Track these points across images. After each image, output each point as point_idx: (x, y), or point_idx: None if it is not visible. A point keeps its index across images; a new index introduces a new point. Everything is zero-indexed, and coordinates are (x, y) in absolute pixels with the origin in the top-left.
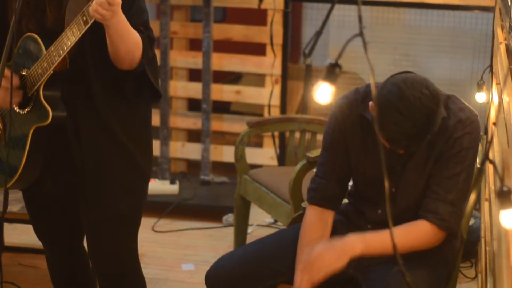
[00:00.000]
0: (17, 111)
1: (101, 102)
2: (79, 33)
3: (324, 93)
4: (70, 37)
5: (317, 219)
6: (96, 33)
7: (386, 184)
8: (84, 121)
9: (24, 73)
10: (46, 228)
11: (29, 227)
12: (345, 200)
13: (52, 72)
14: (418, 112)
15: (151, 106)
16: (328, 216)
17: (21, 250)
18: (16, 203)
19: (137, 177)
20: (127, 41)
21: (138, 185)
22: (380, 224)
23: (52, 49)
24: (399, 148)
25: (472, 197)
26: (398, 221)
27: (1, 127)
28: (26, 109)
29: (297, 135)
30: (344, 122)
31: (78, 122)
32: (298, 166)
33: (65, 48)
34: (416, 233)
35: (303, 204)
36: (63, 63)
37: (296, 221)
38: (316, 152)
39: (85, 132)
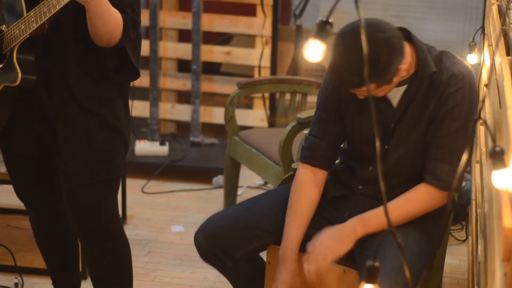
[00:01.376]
0: None
1: (75, 71)
2: (58, 6)
3: (315, 51)
4: (51, 7)
5: (309, 178)
6: (78, 7)
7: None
8: (57, 88)
9: (3, 29)
10: (24, 188)
11: None
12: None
13: (28, 36)
14: (354, 51)
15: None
16: (320, 176)
17: (10, 212)
18: (2, 164)
19: (115, 142)
20: (106, 23)
21: (115, 150)
22: (371, 183)
23: (32, 14)
24: (346, 90)
25: (464, 158)
26: (389, 177)
27: None
28: None
29: (288, 96)
30: None
31: (50, 88)
32: (289, 128)
33: (43, 17)
34: (417, 200)
35: (293, 165)
36: (41, 29)
37: (286, 183)
38: (306, 113)
39: (57, 98)
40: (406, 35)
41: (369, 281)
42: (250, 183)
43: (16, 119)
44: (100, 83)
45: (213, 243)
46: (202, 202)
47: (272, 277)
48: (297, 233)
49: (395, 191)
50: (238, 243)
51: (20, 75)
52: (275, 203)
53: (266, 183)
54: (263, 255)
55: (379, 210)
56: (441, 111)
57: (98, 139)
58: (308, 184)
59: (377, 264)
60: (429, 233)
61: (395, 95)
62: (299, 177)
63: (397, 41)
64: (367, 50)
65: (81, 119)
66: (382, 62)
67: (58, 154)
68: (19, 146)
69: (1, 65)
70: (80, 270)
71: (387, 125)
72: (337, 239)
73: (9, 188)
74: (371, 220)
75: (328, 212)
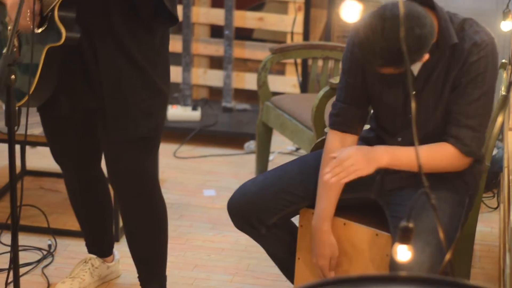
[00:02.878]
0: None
1: (118, 25)
2: None
3: (351, 11)
4: None
5: (339, 144)
6: None
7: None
8: (101, 44)
9: None
10: (63, 150)
11: None
12: (367, 126)
13: None
14: (390, 41)
15: (169, 31)
16: (350, 141)
17: (43, 174)
18: (38, 126)
19: (156, 100)
20: None
21: (157, 108)
22: None
23: None
24: (378, 67)
25: (497, 125)
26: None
27: (16, 44)
28: (41, 29)
29: (320, 63)
30: None
31: (95, 45)
32: (321, 93)
33: None
34: (440, 154)
35: (326, 130)
36: None
37: (319, 147)
38: (339, 79)
39: (102, 54)
40: (429, 2)
41: (403, 242)
42: (282, 149)
43: (62, 84)
44: (144, 37)
45: (247, 210)
46: (234, 167)
47: (304, 240)
48: (329, 203)
49: None
50: (271, 209)
51: (64, 33)
52: (307, 169)
53: (297, 149)
54: (295, 220)
55: (408, 149)
56: (464, 79)
57: (141, 96)
58: (339, 149)
59: (411, 225)
60: (460, 195)
61: (417, 65)
62: (329, 143)
63: (431, 36)
64: (402, 43)
65: (125, 76)
66: (415, 55)
67: (101, 113)
68: (64, 109)
69: (44, 27)
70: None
71: (408, 94)
72: (363, 159)
73: (42, 151)
74: (400, 154)
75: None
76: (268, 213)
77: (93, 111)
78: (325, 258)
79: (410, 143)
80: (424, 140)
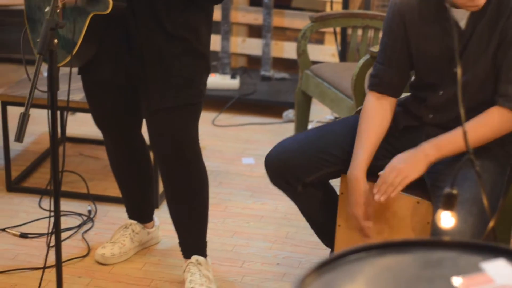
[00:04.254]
0: None
1: None
2: None
3: None
4: None
5: (377, 105)
6: None
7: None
8: (143, 15)
9: None
10: (103, 115)
11: (91, 118)
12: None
13: None
14: None
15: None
16: (388, 103)
17: (83, 141)
18: (79, 93)
19: (198, 67)
20: None
21: (198, 75)
22: (441, 110)
23: None
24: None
25: None
26: (458, 102)
27: (60, 6)
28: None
29: (359, 32)
30: (403, 6)
31: (137, 15)
32: (361, 61)
33: None
34: (489, 123)
35: None
36: None
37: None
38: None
39: (144, 25)
40: None
41: (447, 208)
42: (320, 118)
43: (104, 48)
44: (186, 9)
45: (284, 166)
46: (272, 136)
47: (345, 207)
48: (365, 153)
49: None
50: (308, 167)
51: (111, 2)
52: (348, 131)
53: (336, 118)
54: (335, 186)
55: (452, 134)
56: (511, 31)
57: (183, 63)
58: (376, 111)
59: (455, 191)
60: (502, 164)
61: (463, 16)
62: (367, 104)
63: None
64: None
65: (167, 45)
66: None
67: (143, 80)
68: (106, 74)
69: None
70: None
71: (454, 48)
72: (408, 163)
73: (81, 117)
74: (445, 143)
75: (400, 143)
76: (306, 171)
77: (134, 77)
78: (359, 205)
79: (453, 96)
80: (465, 94)
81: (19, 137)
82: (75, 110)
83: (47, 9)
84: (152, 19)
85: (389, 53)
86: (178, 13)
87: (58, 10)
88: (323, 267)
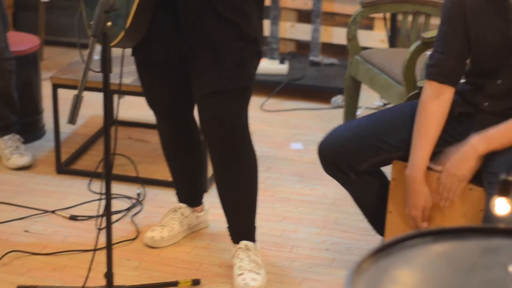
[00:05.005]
0: None
1: None
2: None
3: None
4: None
5: (436, 95)
6: None
7: None
8: None
9: None
10: (156, 96)
11: (140, 101)
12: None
13: None
14: None
15: None
16: (447, 93)
17: (132, 124)
18: (129, 76)
19: (248, 51)
20: None
21: (249, 59)
22: (498, 98)
23: None
24: None
25: None
26: None
27: None
28: None
29: (410, 18)
30: None
31: None
32: (413, 47)
33: None
34: None
35: (419, 83)
36: None
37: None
38: (431, 33)
39: (194, 6)
40: None
41: (502, 195)
42: (369, 104)
43: (155, 29)
44: None
45: (337, 154)
46: (321, 121)
47: (396, 193)
48: (424, 153)
49: None
50: (362, 155)
51: None
52: (401, 118)
53: (385, 104)
54: (387, 172)
55: (503, 127)
56: None
57: (232, 47)
58: (435, 102)
59: (511, 178)
60: None
61: None
62: (426, 95)
63: None
64: None
65: (217, 28)
66: None
67: (193, 63)
68: (159, 55)
69: None
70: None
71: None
72: (460, 164)
73: (130, 100)
74: (495, 137)
75: (454, 130)
76: (359, 159)
77: (186, 59)
78: (418, 208)
79: (510, 86)
80: None
81: (72, 119)
82: (126, 93)
83: None
84: (202, 0)
85: (449, 41)
86: None
87: None
88: (379, 252)
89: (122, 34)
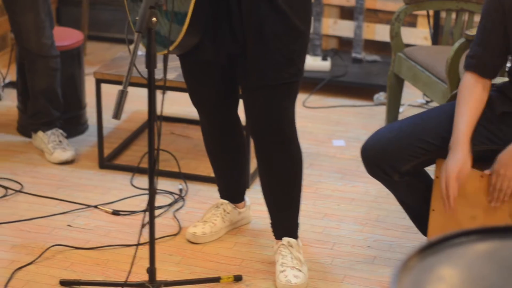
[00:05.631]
0: None
1: None
2: None
3: None
4: None
5: (474, 85)
6: None
7: None
8: None
9: None
10: (202, 94)
11: (182, 97)
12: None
13: None
14: None
15: None
16: (484, 84)
17: (174, 120)
18: (172, 71)
19: (298, 46)
20: None
21: (298, 53)
22: None
23: None
24: None
25: None
26: None
27: None
28: None
29: (453, 16)
30: None
31: None
32: (457, 44)
33: None
34: None
35: None
36: None
37: (455, 99)
38: (475, 31)
39: (246, 1)
40: None
41: None
42: (412, 101)
43: (206, 27)
44: None
45: (380, 156)
46: (363, 118)
47: (439, 192)
48: (467, 123)
49: None
50: (405, 156)
51: None
52: (444, 118)
53: (427, 101)
54: (430, 171)
55: None
56: None
57: (283, 42)
58: (474, 89)
59: None
60: None
61: None
62: (464, 84)
63: None
64: None
65: (269, 21)
66: None
67: (243, 59)
68: (208, 54)
69: None
70: None
71: None
72: (510, 166)
73: (172, 96)
74: None
75: (499, 129)
76: (402, 160)
77: (234, 56)
78: (453, 171)
79: None
80: None
81: (117, 114)
82: (170, 89)
83: None
84: None
85: (486, 36)
86: None
87: None
88: (425, 250)
89: (173, 46)
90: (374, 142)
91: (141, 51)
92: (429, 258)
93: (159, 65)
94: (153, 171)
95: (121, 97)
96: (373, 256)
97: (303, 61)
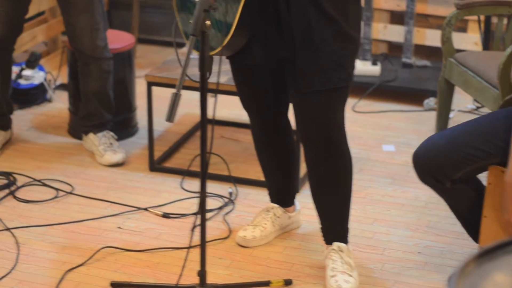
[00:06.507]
0: None
1: None
2: None
3: None
4: None
5: None
6: None
7: None
8: None
9: None
10: (252, 98)
11: (232, 100)
12: None
13: None
14: None
15: None
16: None
17: (224, 123)
18: (223, 75)
19: (347, 51)
20: None
21: (348, 58)
22: None
23: None
24: None
25: None
26: None
27: None
28: None
29: (505, 21)
30: None
31: None
32: (509, 50)
33: None
34: None
35: None
36: None
37: (507, 105)
38: None
39: (294, 4)
40: None
41: None
42: (462, 107)
43: (254, 32)
44: None
45: (432, 163)
46: (413, 124)
47: (492, 198)
48: None
49: None
50: (458, 164)
51: None
52: (497, 124)
53: (478, 107)
54: (482, 178)
55: None
56: None
57: (332, 47)
58: None
59: None
60: None
61: None
62: None
63: None
64: None
65: (318, 25)
66: None
67: (291, 63)
68: (257, 58)
69: None
70: None
71: None
72: None
73: (222, 99)
74: None
75: None
76: (455, 167)
77: (284, 60)
78: None
79: None
80: None
81: (170, 117)
82: (221, 92)
83: None
84: None
85: None
86: None
87: None
88: (482, 257)
89: (221, 47)
90: (426, 149)
91: (192, 54)
92: (485, 265)
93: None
94: (205, 175)
95: (175, 100)
96: (423, 262)
97: (352, 66)
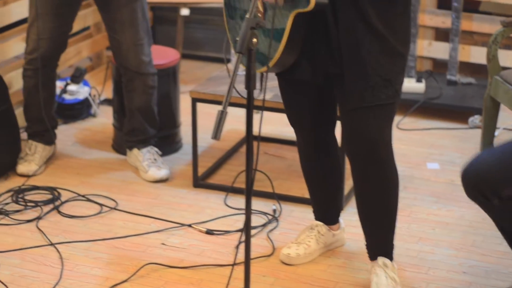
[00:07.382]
0: None
1: None
2: None
3: None
4: None
5: None
6: None
7: None
8: (343, 11)
9: None
10: (299, 113)
11: (276, 117)
12: None
13: None
14: None
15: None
16: None
17: (268, 140)
18: (268, 92)
19: (395, 67)
20: None
21: (395, 75)
22: None
23: None
24: None
25: None
26: None
27: (262, 10)
28: None
29: None
30: None
31: (337, 10)
32: None
33: None
34: None
35: None
36: None
37: None
38: None
39: (343, 21)
40: None
41: None
42: (507, 125)
43: (303, 47)
44: (386, 5)
45: (482, 180)
46: (458, 141)
47: None
48: None
49: None
50: (506, 181)
51: None
52: None
53: None
54: None
55: None
56: None
57: (380, 64)
58: None
59: None
60: None
61: None
62: None
63: None
64: None
65: (365, 43)
66: None
67: (339, 79)
68: (305, 74)
69: None
70: None
71: None
72: None
73: (266, 116)
74: None
75: None
76: (504, 185)
77: (332, 76)
78: None
79: None
80: None
81: (216, 135)
82: (266, 109)
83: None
84: (354, 13)
85: None
86: (379, 8)
87: (259, 15)
88: None
89: (271, 63)
90: (475, 165)
91: (239, 71)
92: None
93: (257, 85)
94: (250, 192)
95: (221, 118)
96: (468, 282)
97: (400, 82)
